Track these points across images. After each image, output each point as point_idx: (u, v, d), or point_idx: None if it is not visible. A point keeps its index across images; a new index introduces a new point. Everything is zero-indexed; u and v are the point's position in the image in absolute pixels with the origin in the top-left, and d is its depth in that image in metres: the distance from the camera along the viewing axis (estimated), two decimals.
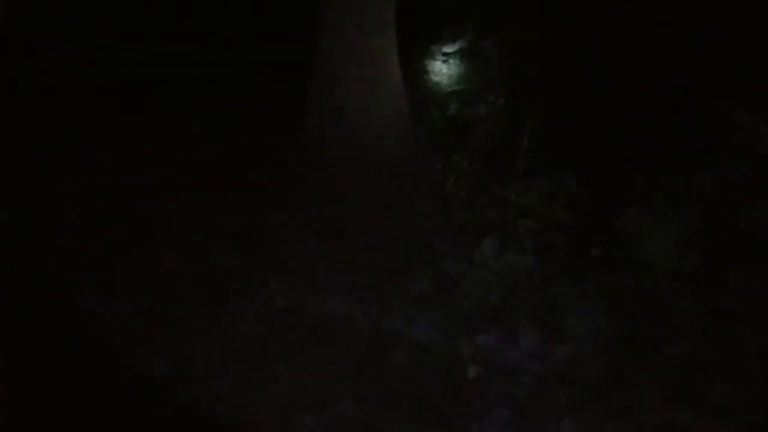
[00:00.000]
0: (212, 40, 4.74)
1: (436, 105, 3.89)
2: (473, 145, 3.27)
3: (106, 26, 4.69)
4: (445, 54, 4.66)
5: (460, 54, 4.63)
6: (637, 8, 3.97)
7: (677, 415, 2.33)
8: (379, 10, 3.81)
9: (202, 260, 3.27)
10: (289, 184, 3.86)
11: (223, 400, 2.48)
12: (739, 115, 2.73)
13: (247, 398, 2.48)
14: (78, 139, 4.08)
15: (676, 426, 2.30)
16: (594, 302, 2.71)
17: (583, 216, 2.87)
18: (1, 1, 3.35)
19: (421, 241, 3.24)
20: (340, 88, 3.91)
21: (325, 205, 3.58)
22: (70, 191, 3.70)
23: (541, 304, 2.77)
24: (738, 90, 3.21)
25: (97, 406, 2.41)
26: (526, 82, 3.98)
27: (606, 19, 4.03)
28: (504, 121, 3.61)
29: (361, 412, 2.47)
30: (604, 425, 2.30)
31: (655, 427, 2.31)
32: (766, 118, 2.77)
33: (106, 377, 2.54)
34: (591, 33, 3.99)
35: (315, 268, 3.16)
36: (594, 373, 2.51)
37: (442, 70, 4.59)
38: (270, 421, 2.41)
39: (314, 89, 4.02)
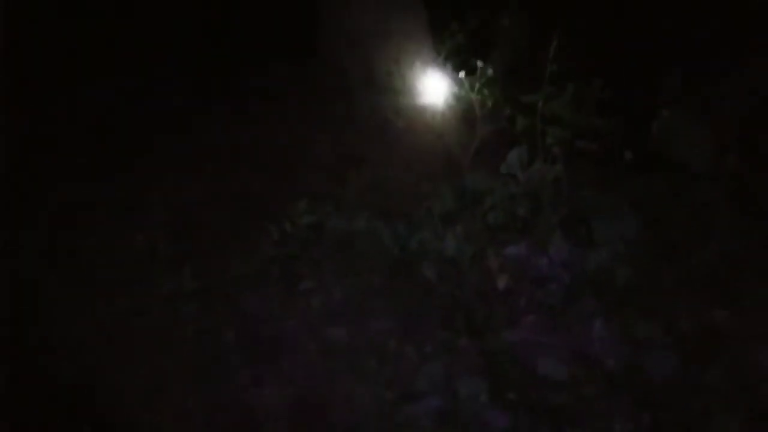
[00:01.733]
0: None
1: (457, 17, 3.73)
2: (498, 54, 3.14)
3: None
4: None
5: None
6: None
7: (711, 314, 2.31)
8: None
9: (230, 183, 3.29)
10: (309, 110, 3.82)
11: (254, 317, 2.52)
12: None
13: (279, 314, 2.52)
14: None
15: (710, 326, 2.28)
16: (625, 208, 2.65)
17: (615, 120, 2.77)
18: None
19: (446, 156, 3.18)
20: (354, 9, 3.79)
21: (346, 129, 3.54)
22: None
23: (571, 213, 2.71)
24: None
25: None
26: None
27: None
28: (530, 28, 3.45)
29: (392, 324, 2.49)
30: (636, 327, 2.28)
31: (689, 327, 2.29)
32: None
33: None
34: None
35: (339, 190, 3.15)
36: (625, 278, 2.48)
37: None
38: (302, 335, 2.45)
39: (324, 9, 3.91)
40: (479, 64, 3.01)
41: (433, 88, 3.33)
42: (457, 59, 3.52)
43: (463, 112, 3.17)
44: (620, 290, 2.46)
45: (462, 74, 3.04)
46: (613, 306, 2.40)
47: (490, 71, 2.99)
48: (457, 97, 3.15)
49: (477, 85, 3.01)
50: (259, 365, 2.38)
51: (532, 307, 2.49)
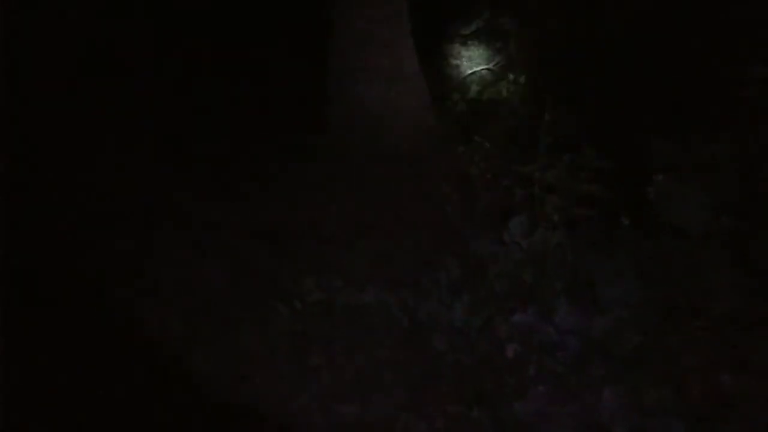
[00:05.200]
0: (228, 37, 4.80)
1: (457, 88, 3.88)
2: (495, 126, 3.26)
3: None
4: (462, 36, 4.63)
5: (478, 34, 4.60)
6: None
7: (719, 378, 2.31)
8: None
9: (239, 261, 3.35)
10: (315, 181, 3.92)
11: (265, 395, 2.55)
12: (759, 70, 2.66)
13: (289, 392, 2.55)
14: (100, 137, 4.18)
15: (718, 390, 2.28)
16: (628, 272, 2.69)
17: (610, 187, 2.84)
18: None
19: (450, 226, 3.25)
20: (359, 79, 3.94)
21: (351, 199, 3.62)
22: (99, 192, 3.82)
23: (575, 279, 2.75)
24: (757, 47, 3.12)
25: (138, 405, 2.50)
26: (545, 58, 3.94)
27: None
28: (525, 98, 3.59)
29: (403, 398, 2.51)
30: (645, 394, 2.29)
31: (698, 392, 2.28)
32: None
33: (147, 376, 2.63)
34: (607, 3, 3.92)
35: (347, 261, 3.21)
36: (632, 343, 2.49)
37: (461, 52, 4.56)
38: (313, 413, 2.47)
39: (332, 84, 4.06)
40: (477, 138, 3.13)
41: (436, 159, 3.44)
42: (457, 127, 3.66)
43: (465, 182, 3.27)
44: (628, 355, 2.47)
45: (461, 149, 3.15)
46: (622, 372, 2.41)
47: (487, 144, 3.10)
48: (459, 168, 3.25)
49: (476, 158, 3.12)
50: None
51: (542, 376, 2.50)
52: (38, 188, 3.58)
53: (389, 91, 3.96)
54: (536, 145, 2.88)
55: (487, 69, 4.25)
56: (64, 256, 3.35)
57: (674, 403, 2.25)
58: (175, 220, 3.68)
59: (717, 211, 2.71)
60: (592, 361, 2.48)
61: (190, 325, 2.89)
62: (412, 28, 3.89)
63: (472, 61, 4.44)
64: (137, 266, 3.33)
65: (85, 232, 3.49)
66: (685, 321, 2.52)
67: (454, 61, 4.51)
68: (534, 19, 4.31)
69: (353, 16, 3.83)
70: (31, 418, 2.41)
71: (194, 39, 4.77)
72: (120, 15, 4.63)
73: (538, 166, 2.87)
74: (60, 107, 4.09)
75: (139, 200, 3.79)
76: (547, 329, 2.64)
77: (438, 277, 2.97)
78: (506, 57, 4.32)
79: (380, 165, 3.78)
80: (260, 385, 2.60)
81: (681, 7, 3.55)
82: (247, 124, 4.39)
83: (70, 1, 4.47)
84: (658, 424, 2.18)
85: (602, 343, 2.53)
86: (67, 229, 3.51)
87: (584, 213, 2.81)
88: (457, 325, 2.74)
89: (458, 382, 2.54)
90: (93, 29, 4.54)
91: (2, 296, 2.62)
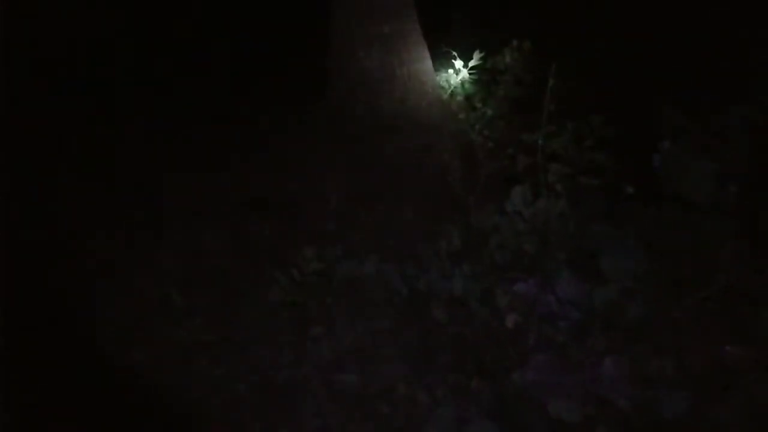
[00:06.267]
0: (233, 17, 4.73)
1: (460, 56, 3.80)
2: (498, 93, 3.19)
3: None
4: (465, 3, 4.53)
5: (481, 2, 4.50)
6: None
7: (722, 349, 2.29)
8: None
9: (240, 232, 3.33)
10: (315, 151, 3.87)
11: (266, 365, 2.54)
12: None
13: (290, 362, 2.54)
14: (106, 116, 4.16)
15: (721, 360, 2.26)
16: (631, 243, 2.64)
17: (616, 156, 2.79)
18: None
19: (451, 196, 3.21)
20: (359, 48, 3.86)
21: (351, 169, 3.58)
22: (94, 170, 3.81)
23: (577, 249, 2.71)
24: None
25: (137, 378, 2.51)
26: (549, 23, 3.84)
27: None
28: (529, 65, 3.51)
29: (403, 368, 2.50)
30: (647, 364, 2.26)
31: (700, 363, 2.26)
32: None
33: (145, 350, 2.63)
34: None
35: (347, 231, 3.18)
36: (634, 313, 2.46)
37: (463, 19, 4.47)
38: (314, 382, 2.46)
39: (332, 53, 3.99)
40: (479, 106, 3.06)
41: (438, 128, 3.38)
42: (459, 95, 3.59)
43: (466, 151, 3.22)
44: (630, 326, 2.44)
45: (463, 116, 3.08)
46: (623, 342, 2.38)
47: (490, 112, 3.03)
48: (460, 137, 3.20)
49: (478, 126, 3.06)
50: (270, 414, 2.39)
51: (542, 346, 2.48)
52: (32, 173, 3.55)
53: (390, 60, 3.88)
54: (540, 112, 2.82)
55: (490, 35, 4.15)
56: (64, 232, 3.35)
57: (675, 373, 2.23)
58: (172, 191, 3.66)
59: (723, 181, 2.65)
60: (593, 332, 2.45)
61: (189, 296, 2.88)
62: None
63: (475, 28, 4.34)
64: (134, 239, 3.33)
65: (81, 209, 3.48)
66: (689, 292, 2.49)
67: (457, 29, 4.41)
68: None
69: None
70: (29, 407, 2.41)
71: (196, 12, 4.69)
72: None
73: (542, 134, 2.81)
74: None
75: (136, 174, 3.77)
76: (548, 299, 2.61)
77: (438, 247, 2.93)
78: (510, 22, 4.21)
79: (381, 134, 3.73)
80: (260, 355, 2.59)
81: None
82: (247, 95, 4.34)
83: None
84: (659, 395, 2.17)
85: (604, 313, 2.51)
86: (66, 205, 3.50)
87: (588, 182, 2.75)
88: (458, 295, 2.72)
89: (458, 352, 2.52)
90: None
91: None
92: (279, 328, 2.68)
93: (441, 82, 3.70)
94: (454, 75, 3.70)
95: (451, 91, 3.48)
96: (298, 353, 2.58)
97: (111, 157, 3.92)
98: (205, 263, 3.12)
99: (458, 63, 3.74)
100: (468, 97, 3.34)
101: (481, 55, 3.62)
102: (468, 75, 3.63)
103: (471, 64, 3.49)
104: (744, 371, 2.20)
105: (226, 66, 4.57)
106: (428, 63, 3.88)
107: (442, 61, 3.86)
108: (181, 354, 2.67)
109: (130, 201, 3.59)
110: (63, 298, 3.03)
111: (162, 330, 2.77)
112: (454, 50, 3.80)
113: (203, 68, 4.54)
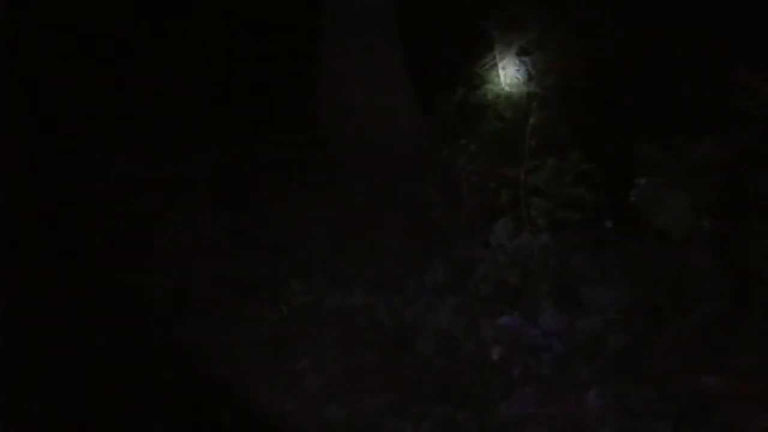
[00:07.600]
0: (218, 44, 4.76)
1: (442, 91, 3.90)
2: (480, 129, 3.28)
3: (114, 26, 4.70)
4: (448, 39, 4.63)
5: (464, 38, 4.61)
6: None
7: (704, 379, 2.34)
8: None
9: (225, 264, 3.33)
10: (301, 184, 3.91)
11: (252, 399, 2.54)
12: (739, 75, 2.71)
13: (277, 395, 2.54)
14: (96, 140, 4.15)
15: (703, 390, 2.31)
16: (612, 275, 2.71)
17: (595, 190, 2.87)
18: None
19: (436, 229, 3.26)
20: (345, 83, 3.95)
21: (337, 201, 3.63)
22: (95, 197, 3.79)
23: (560, 281, 2.78)
24: (739, 52, 3.17)
25: (124, 407, 2.48)
26: (531, 61, 3.96)
27: None
28: (511, 101, 3.61)
29: (390, 400, 2.51)
30: (630, 394, 2.31)
31: (682, 392, 2.31)
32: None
33: (134, 380, 2.61)
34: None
35: (333, 265, 3.21)
36: (617, 344, 2.52)
37: (447, 55, 4.56)
38: (301, 415, 2.46)
39: (321, 87, 4.07)
40: (463, 141, 3.14)
41: (422, 161, 3.45)
42: (444, 130, 3.67)
43: (451, 184, 3.28)
44: (612, 357, 2.49)
45: (447, 150, 3.16)
46: (606, 373, 2.43)
47: (473, 147, 3.11)
48: (444, 171, 3.26)
49: (461, 160, 3.13)
50: None
51: (527, 378, 2.52)
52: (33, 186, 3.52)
53: (375, 95, 3.97)
54: (522, 148, 2.91)
55: (473, 71, 4.26)
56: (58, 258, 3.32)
57: (658, 403, 2.27)
58: (158, 223, 3.65)
59: (699, 213, 2.75)
60: (577, 363, 2.50)
61: (177, 328, 2.87)
62: (398, 32, 3.91)
63: (458, 64, 4.45)
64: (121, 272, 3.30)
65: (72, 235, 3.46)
66: (669, 322, 2.55)
67: (441, 64, 4.51)
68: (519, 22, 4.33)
69: (341, 21, 3.85)
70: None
71: (182, 39, 4.74)
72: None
73: (523, 169, 2.89)
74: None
75: (121, 205, 3.75)
76: (532, 331, 2.66)
77: (424, 279, 2.98)
78: (492, 60, 4.33)
79: (366, 167, 3.78)
80: (248, 388, 2.59)
81: (666, 13, 3.60)
82: (234, 127, 4.36)
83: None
84: (643, 426, 2.20)
85: (587, 344, 2.56)
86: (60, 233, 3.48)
87: (569, 216, 2.83)
88: (443, 328, 2.75)
89: (444, 384, 2.55)
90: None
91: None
92: (267, 361, 2.68)
93: (426, 116, 3.79)
94: (439, 109, 3.79)
95: (436, 125, 3.56)
96: (286, 386, 2.58)
97: (89, 187, 3.88)
98: (192, 295, 3.11)
99: (443, 97, 3.83)
100: (452, 131, 3.42)
101: (464, 90, 3.72)
102: (452, 109, 3.73)
103: (455, 99, 3.58)
104: (724, 400, 2.25)
105: (206, 94, 4.59)
106: (413, 97, 3.98)
107: (426, 95, 3.96)
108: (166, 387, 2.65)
109: (107, 232, 3.56)
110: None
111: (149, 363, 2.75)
112: (439, 84, 3.90)
113: (182, 97, 4.54)
